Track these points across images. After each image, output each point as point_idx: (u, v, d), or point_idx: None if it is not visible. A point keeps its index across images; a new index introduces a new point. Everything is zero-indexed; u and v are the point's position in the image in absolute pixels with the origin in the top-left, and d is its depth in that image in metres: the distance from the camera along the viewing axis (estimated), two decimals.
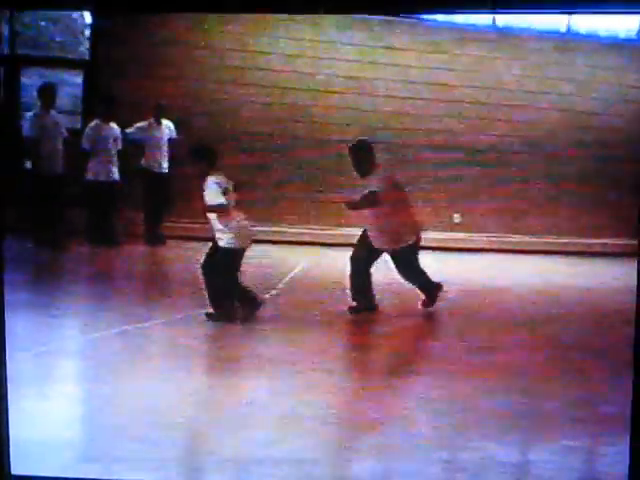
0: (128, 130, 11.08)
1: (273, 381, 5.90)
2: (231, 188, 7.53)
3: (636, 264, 3.71)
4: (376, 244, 8.11)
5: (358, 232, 8.41)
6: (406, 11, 10.04)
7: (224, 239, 7.46)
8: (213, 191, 7.42)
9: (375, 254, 8.14)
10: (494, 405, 5.57)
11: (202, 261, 7.59)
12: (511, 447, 4.96)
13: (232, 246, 7.47)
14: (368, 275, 8.08)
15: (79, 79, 12.33)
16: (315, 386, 5.85)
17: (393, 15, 11.60)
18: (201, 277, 7.54)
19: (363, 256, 8.07)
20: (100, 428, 4.93)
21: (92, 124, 11.03)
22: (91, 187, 10.89)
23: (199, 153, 7.71)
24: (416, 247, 8.24)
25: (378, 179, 8.07)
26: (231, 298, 7.52)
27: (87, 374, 6.02)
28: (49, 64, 12.37)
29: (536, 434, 5.11)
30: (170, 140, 11.18)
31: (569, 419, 5.29)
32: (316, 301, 8.06)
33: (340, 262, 9.82)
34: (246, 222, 7.57)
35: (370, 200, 7.88)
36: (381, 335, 7.65)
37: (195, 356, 6.68)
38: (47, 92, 10.55)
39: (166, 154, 11.19)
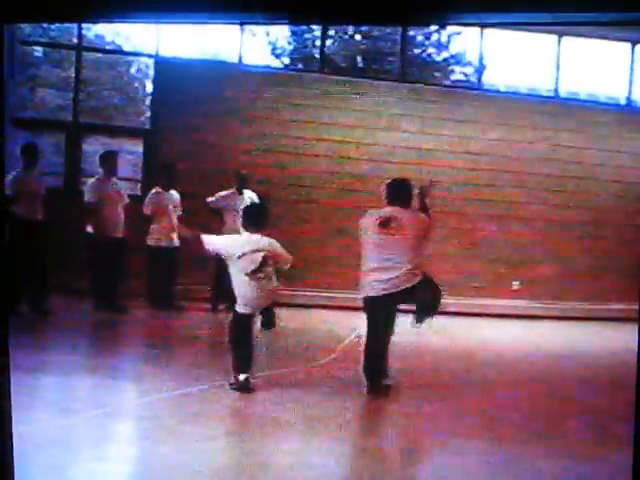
0: (209, 199, 11.02)
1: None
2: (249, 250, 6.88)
3: None
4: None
5: None
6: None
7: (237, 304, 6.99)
8: None
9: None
10: None
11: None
12: None
13: (240, 310, 6.93)
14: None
15: (139, 147, 12.44)
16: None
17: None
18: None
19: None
20: None
21: (153, 191, 11.06)
22: (152, 252, 10.86)
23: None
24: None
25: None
26: (247, 366, 6.87)
27: (144, 436, 5.81)
28: (110, 132, 12.51)
29: None
30: None
31: None
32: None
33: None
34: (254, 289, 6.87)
35: None
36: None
37: (248, 419, 6.48)
38: (108, 159, 10.61)
39: None
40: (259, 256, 6.81)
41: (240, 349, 6.87)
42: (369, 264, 7.10)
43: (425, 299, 7.12)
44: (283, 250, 6.98)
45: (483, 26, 11.92)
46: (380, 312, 7.08)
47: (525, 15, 3.31)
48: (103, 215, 10.28)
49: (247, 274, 6.80)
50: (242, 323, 6.90)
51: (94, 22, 11.04)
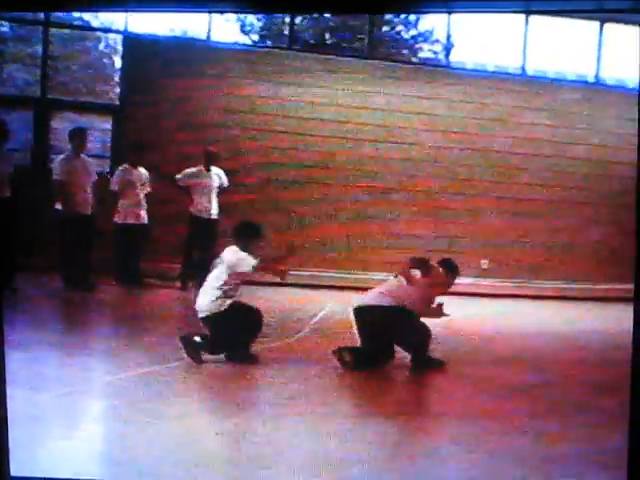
0: (177, 176, 11.06)
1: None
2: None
3: None
4: None
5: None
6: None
7: None
8: None
9: None
10: None
11: None
12: None
13: None
14: None
15: (108, 124, 12.39)
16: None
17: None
18: None
19: None
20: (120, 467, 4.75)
21: (121, 168, 11.09)
22: (120, 229, 10.87)
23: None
24: None
25: None
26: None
27: (113, 414, 5.85)
28: (79, 109, 12.44)
29: None
30: (220, 188, 11.15)
31: None
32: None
33: None
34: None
35: None
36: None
37: (219, 397, 6.53)
38: (78, 136, 10.60)
39: (215, 201, 11.16)
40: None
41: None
42: None
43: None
44: (237, 263, 7.22)
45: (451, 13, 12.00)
46: None
47: (497, 5, 3.37)
48: (72, 192, 10.29)
49: None
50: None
51: (69, 11, 10.96)
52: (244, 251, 7.21)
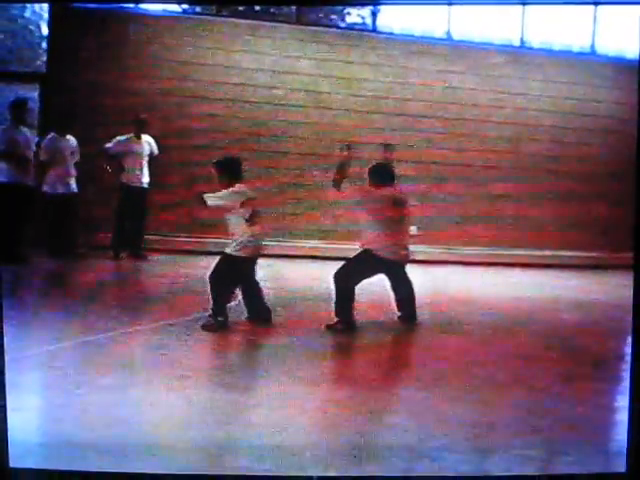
0: (107, 144, 11.04)
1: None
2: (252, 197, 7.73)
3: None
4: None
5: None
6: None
7: (229, 247, 7.67)
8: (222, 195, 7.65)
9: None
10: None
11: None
12: None
13: (235, 254, 7.62)
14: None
15: (35, 93, 12.24)
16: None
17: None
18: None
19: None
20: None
21: (49, 136, 10.96)
22: (49, 199, 10.81)
23: (223, 165, 7.85)
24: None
25: None
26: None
27: (51, 385, 5.91)
28: (4, 77, 12.27)
29: None
30: (151, 156, 11.19)
31: None
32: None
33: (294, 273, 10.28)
34: (254, 233, 7.67)
35: None
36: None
37: (153, 368, 6.50)
38: (19, 107, 10.52)
39: (146, 169, 11.20)
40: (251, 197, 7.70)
41: (222, 290, 7.60)
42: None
43: None
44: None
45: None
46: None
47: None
48: (18, 163, 10.28)
49: (246, 219, 7.60)
50: (235, 265, 7.62)
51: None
52: (232, 184, 7.66)
